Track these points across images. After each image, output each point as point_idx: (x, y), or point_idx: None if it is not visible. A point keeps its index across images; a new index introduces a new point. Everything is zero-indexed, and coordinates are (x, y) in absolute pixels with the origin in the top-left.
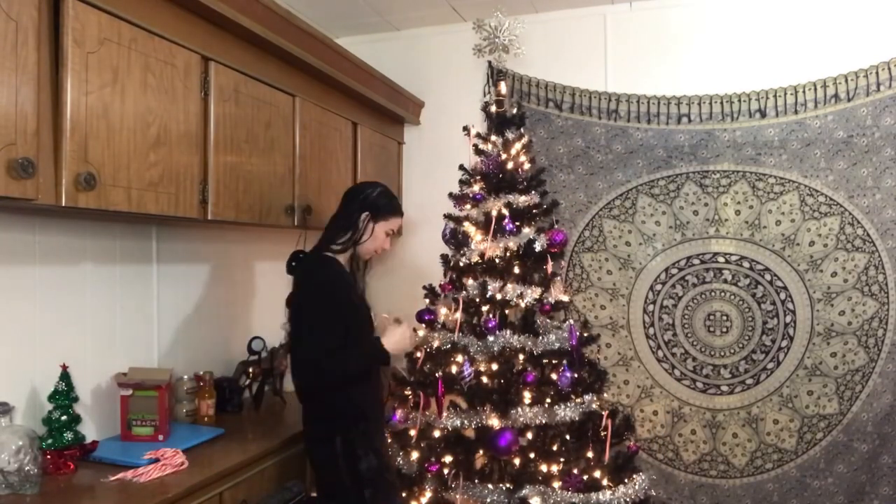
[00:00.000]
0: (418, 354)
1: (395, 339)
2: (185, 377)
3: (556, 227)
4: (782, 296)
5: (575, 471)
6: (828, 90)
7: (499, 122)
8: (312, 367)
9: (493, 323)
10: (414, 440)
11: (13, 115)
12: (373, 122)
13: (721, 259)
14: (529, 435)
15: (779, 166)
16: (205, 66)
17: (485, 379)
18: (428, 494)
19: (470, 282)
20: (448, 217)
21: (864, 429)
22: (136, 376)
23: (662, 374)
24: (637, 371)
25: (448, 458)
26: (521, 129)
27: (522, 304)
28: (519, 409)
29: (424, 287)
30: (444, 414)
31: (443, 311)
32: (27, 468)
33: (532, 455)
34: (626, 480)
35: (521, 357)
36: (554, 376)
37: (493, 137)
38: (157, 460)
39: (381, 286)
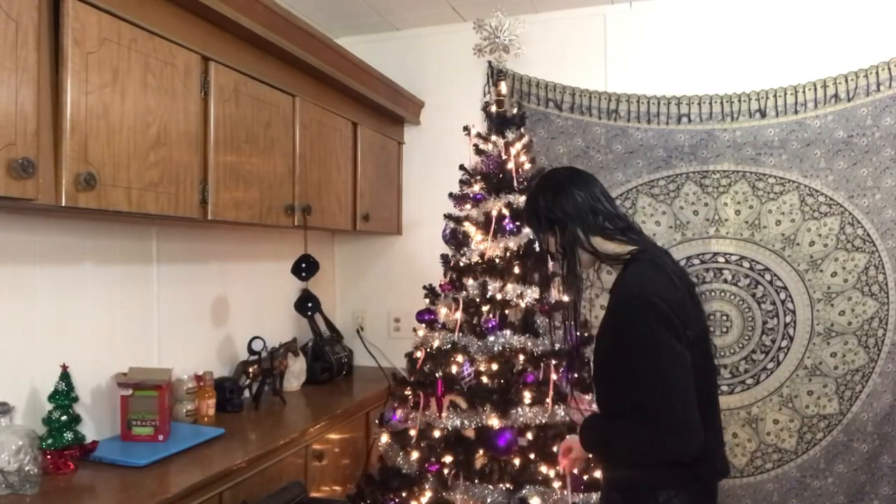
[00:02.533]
0: (418, 354)
1: None
2: (185, 377)
3: None
4: (782, 296)
5: (575, 471)
6: (828, 90)
7: (499, 122)
8: None
9: (493, 323)
10: (414, 440)
11: (13, 115)
12: (373, 122)
13: (721, 259)
14: (529, 435)
15: (779, 166)
16: (205, 66)
17: (485, 379)
18: (428, 494)
19: (470, 282)
20: (448, 217)
21: (864, 429)
22: (136, 376)
23: None
24: None
25: (448, 458)
26: (522, 129)
27: (522, 304)
28: (519, 409)
29: (424, 287)
30: (444, 414)
31: (443, 311)
32: (27, 468)
33: (532, 455)
34: None
35: (522, 357)
36: (554, 377)
37: (494, 137)
38: None
39: (382, 286)
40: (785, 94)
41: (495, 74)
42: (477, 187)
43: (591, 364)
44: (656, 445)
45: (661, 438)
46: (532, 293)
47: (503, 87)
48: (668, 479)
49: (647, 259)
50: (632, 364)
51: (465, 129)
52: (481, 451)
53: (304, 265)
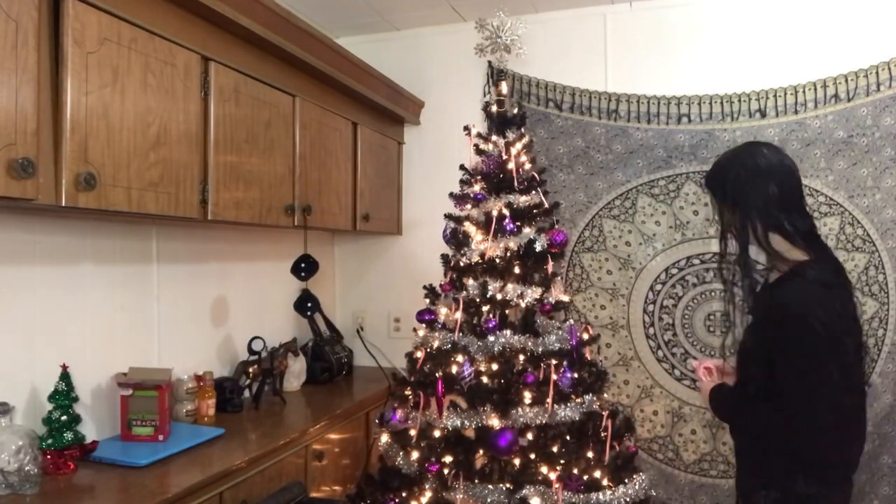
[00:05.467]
0: (418, 354)
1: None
2: (185, 377)
3: (556, 227)
4: None
5: (575, 471)
6: (828, 90)
7: (499, 122)
8: None
9: (494, 323)
10: (414, 440)
11: (13, 115)
12: (373, 122)
13: None
14: (529, 435)
15: None
16: (205, 66)
17: (485, 379)
18: (428, 494)
19: (470, 282)
20: (448, 217)
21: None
22: (136, 376)
23: (662, 374)
24: (637, 371)
25: (448, 458)
26: (522, 129)
27: (523, 304)
28: (519, 410)
29: (424, 287)
30: (444, 414)
31: (443, 311)
32: (27, 468)
33: (532, 455)
34: (626, 480)
35: (522, 357)
36: (554, 376)
37: (494, 137)
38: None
39: (382, 286)
40: (785, 94)
41: (495, 74)
42: (477, 187)
43: (738, 353)
44: (799, 444)
45: (804, 442)
46: (532, 293)
47: (503, 87)
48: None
49: (813, 275)
50: (788, 375)
51: (466, 129)
52: (481, 451)
53: (303, 265)
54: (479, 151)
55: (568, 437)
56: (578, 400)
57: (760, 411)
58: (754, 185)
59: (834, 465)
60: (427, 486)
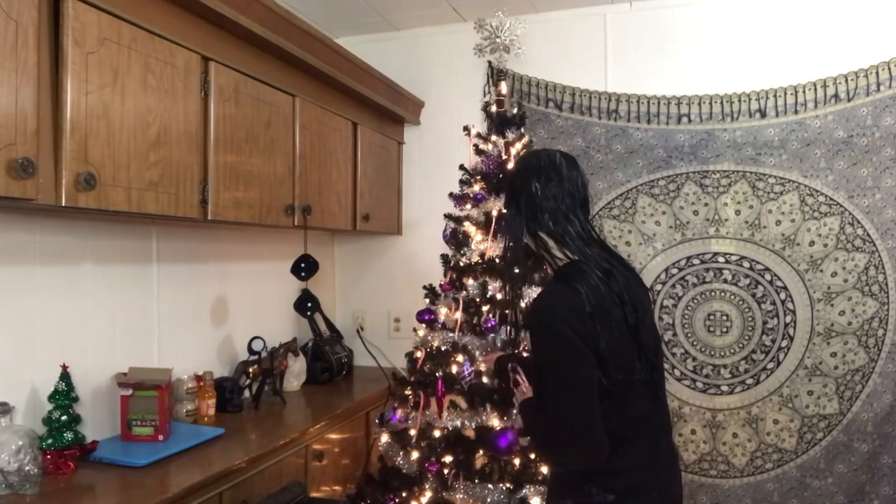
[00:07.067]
0: (418, 354)
1: None
2: (185, 377)
3: None
4: (782, 296)
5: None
6: (828, 90)
7: (499, 122)
8: None
9: (493, 323)
10: (414, 440)
11: (13, 115)
12: (373, 122)
13: (721, 259)
14: None
15: (779, 166)
16: (205, 66)
17: (485, 379)
18: (428, 494)
19: (470, 282)
20: (448, 217)
21: (864, 429)
22: (136, 376)
23: None
24: None
25: (448, 458)
26: (522, 129)
27: (522, 304)
28: None
29: (424, 287)
30: (444, 414)
31: (443, 311)
32: (27, 468)
33: (532, 455)
34: None
35: None
36: None
37: (494, 137)
38: None
39: (382, 286)
40: (785, 94)
41: (495, 74)
42: (477, 187)
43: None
44: (559, 452)
45: (560, 446)
46: (532, 293)
47: (503, 87)
48: (599, 476)
49: (567, 276)
50: (540, 376)
51: (465, 129)
52: (481, 451)
53: (303, 265)
54: (478, 151)
55: None
56: None
57: (535, 421)
58: (522, 185)
59: (611, 470)
60: (427, 486)
